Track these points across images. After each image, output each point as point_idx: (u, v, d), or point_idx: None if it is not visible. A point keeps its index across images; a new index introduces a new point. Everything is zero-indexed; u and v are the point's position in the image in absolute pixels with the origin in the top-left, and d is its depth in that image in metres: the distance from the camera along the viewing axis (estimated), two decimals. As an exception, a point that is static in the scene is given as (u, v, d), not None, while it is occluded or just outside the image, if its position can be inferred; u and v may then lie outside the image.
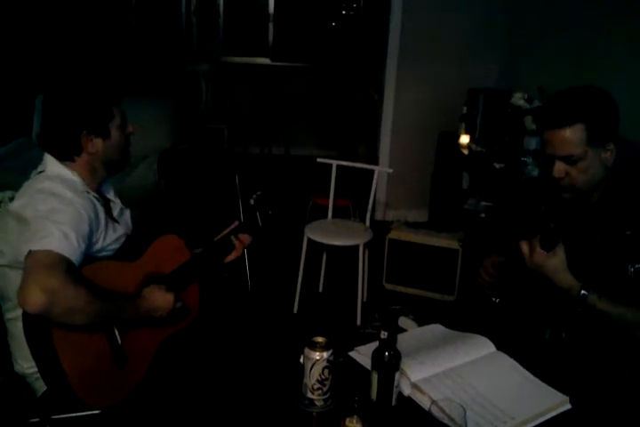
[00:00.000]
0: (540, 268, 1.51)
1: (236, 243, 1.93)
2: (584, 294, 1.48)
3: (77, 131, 1.62)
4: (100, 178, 1.74)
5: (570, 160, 1.54)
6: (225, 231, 1.96)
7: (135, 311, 1.54)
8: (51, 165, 1.64)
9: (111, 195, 1.83)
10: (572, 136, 1.52)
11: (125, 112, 1.74)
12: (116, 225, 1.75)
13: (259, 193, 2.00)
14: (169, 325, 1.68)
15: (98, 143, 1.65)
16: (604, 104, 1.55)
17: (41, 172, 1.64)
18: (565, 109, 1.54)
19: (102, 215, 1.67)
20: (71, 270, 1.40)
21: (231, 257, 1.96)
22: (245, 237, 1.96)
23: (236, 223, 1.97)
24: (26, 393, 1.60)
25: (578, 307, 1.53)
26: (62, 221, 1.45)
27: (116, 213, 1.80)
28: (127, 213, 1.87)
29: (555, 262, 1.50)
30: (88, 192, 1.64)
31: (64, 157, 1.64)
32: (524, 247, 1.53)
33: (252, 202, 1.98)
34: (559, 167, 1.56)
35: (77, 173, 1.65)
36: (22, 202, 1.53)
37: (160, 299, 1.59)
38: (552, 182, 1.61)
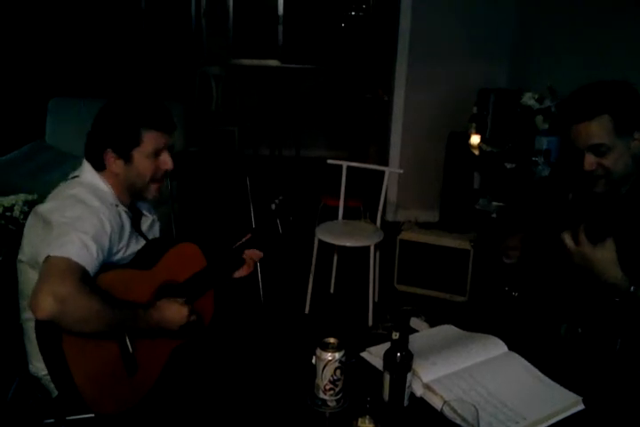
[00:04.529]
0: (589, 261, 1.46)
1: (247, 259, 1.89)
2: (635, 289, 1.45)
3: (102, 147, 1.61)
4: (128, 196, 1.71)
5: (599, 151, 1.54)
6: (236, 244, 1.91)
7: (147, 322, 1.52)
8: (86, 172, 1.65)
9: (145, 209, 1.83)
10: (598, 127, 1.52)
11: (174, 147, 1.69)
12: (140, 238, 1.74)
13: (280, 198, 1.92)
14: (181, 336, 1.66)
15: (119, 165, 1.63)
16: (628, 94, 1.56)
17: (76, 176, 1.65)
18: (589, 102, 1.55)
19: (127, 228, 1.66)
20: (85, 279, 1.40)
21: (242, 273, 1.91)
22: (255, 254, 1.92)
23: (248, 236, 1.92)
24: (41, 394, 1.61)
25: (627, 303, 1.48)
26: (85, 230, 1.46)
27: (145, 226, 1.80)
28: (157, 226, 1.87)
29: (605, 255, 1.45)
30: (117, 205, 1.64)
31: (96, 167, 1.65)
32: (568, 240, 1.48)
33: (273, 207, 1.90)
34: (589, 159, 1.56)
35: (110, 185, 1.65)
36: (51, 205, 1.54)
37: (174, 312, 1.57)
38: (583, 177, 1.60)
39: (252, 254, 1.91)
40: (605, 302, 1.55)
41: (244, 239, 1.92)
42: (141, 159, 1.62)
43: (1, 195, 2.34)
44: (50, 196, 1.61)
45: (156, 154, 1.64)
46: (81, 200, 1.54)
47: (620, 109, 1.53)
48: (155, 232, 1.86)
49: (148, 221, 1.83)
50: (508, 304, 1.84)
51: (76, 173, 1.66)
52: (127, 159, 1.62)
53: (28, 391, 1.62)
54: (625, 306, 1.50)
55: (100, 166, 1.64)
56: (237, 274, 1.92)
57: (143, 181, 1.66)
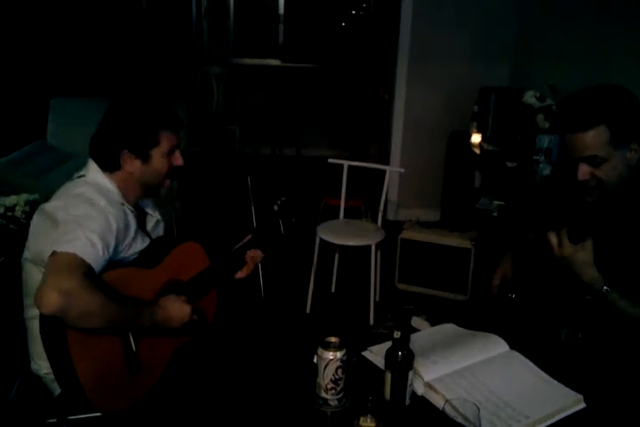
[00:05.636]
0: (568, 261, 1.48)
1: (248, 259, 1.90)
2: (606, 290, 1.47)
3: (119, 148, 1.63)
4: (138, 195, 1.74)
5: (594, 162, 1.52)
6: (237, 245, 1.91)
7: (150, 319, 1.53)
8: (92, 171, 1.66)
9: (150, 208, 1.85)
10: (594, 139, 1.49)
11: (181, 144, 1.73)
12: (146, 238, 1.76)
13: (283, 199, 1.93)
14: (183, 335, 1.67)
15: (136, 164, 1.66)
16: (627, 103, 1.51)
17: (82, 176, 1.66)
18: (586, 111, 1.50)
19: (133, 227, 1.67)
20: (90, 275, 1.41)
21: (243, 274, 1.92)
22: (257, 254, 1.92)
23: (249, 237, 1.92)
24: (43, 394, 1.62)
25: (597, 302, 1.51)
26: (91, 228, 1.47)
27: (150, 226, 1.82)
28: (161, 226, 1.89)
29: (583, 256, 1.47)
30: (123, 204, 1.66)
31: (105, 167, 1.66)
32: (553, 239, 1.50)
33: (275, 208, 1.91)
34: (583, 169, 1.53)
35: (116, 185, 1.66)
36: (57, 204, 1.55)
37: (176, 310, 1.58)
38: (576, 186, 1.58)
39: (254, 255, 1.92)
40: (580, 301, 1.57)
41: (244, 240, 1.92)
42: (158, 158, 1.68)
43: (2, 195, 2.34)
44: (56, 194, 1.62)
45: (170, 152, 1.70)
46: (87, 199, 1.55)
47: (618, 120, 1.48)
48: (159, 232, 1.87)
49: (153, 220, 1.84)
50: (506, 305, 1.84)
51: (81, 173, 1.67)
52: (145, 159, 1.66)
53: (30, 391, 1.62)
54: (594, 304, 1.52)
55: (111, 166, 1.66)
56: (238, 275, 1.93)
57: (159, 179, 1.72)
